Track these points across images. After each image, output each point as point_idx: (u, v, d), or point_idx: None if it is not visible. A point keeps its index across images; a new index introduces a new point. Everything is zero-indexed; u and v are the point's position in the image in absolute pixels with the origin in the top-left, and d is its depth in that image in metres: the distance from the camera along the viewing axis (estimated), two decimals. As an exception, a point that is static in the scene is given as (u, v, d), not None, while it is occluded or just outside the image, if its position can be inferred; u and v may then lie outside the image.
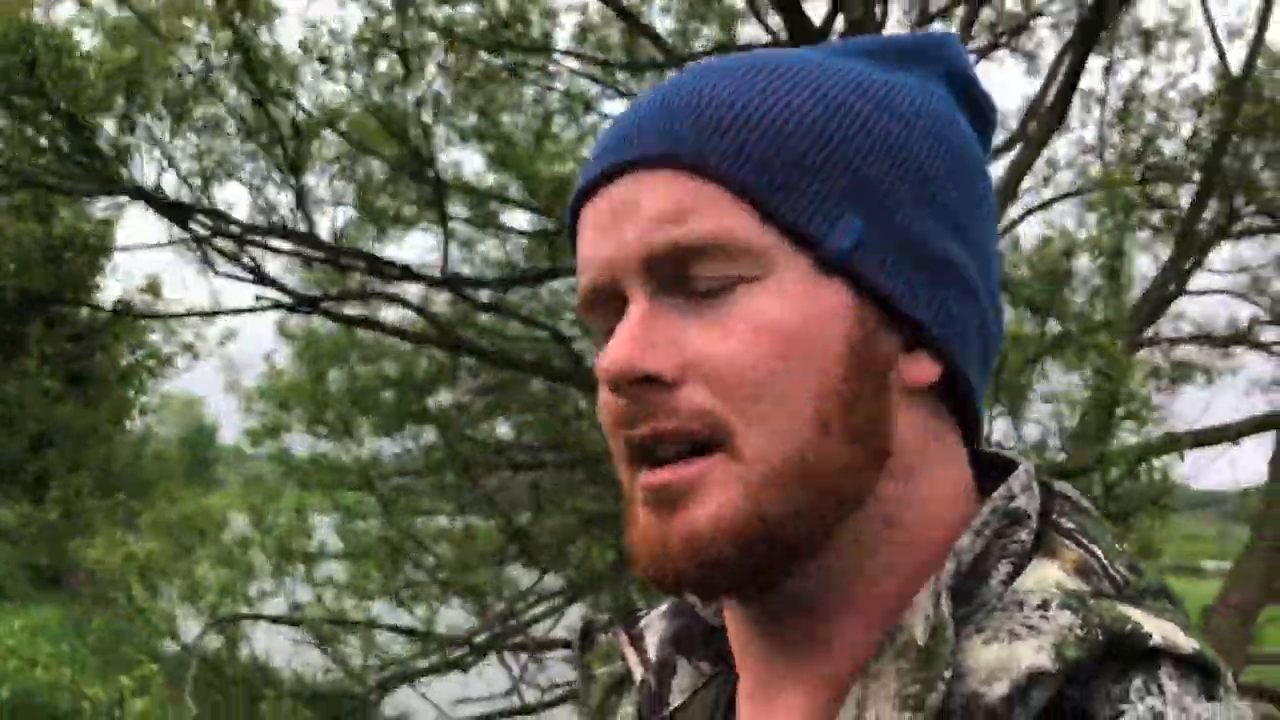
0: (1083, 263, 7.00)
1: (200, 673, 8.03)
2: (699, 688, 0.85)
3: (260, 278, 9.01)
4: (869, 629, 0.73)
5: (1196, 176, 10.52)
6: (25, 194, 9.02)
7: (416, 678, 9.18)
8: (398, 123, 7.88)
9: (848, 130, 0.74)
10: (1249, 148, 10.66)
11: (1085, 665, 0.66)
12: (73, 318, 15.56)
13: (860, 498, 0.72)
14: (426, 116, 7.74)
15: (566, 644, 8.54)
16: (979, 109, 0.82)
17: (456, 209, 9.89)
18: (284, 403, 12.11)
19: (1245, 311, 11.59)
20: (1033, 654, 0.66)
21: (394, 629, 9.27)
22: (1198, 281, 11.11)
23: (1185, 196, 10.81)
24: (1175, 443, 5.49)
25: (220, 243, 8.81)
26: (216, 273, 8.77)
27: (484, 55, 10.07)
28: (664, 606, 0.89)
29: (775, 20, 10.79)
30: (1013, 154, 10.06)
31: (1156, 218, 11.20)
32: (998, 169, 11.10)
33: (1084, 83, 9.06)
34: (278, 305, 9.54)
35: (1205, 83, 11.40)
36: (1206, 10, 10.93)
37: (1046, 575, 0.72)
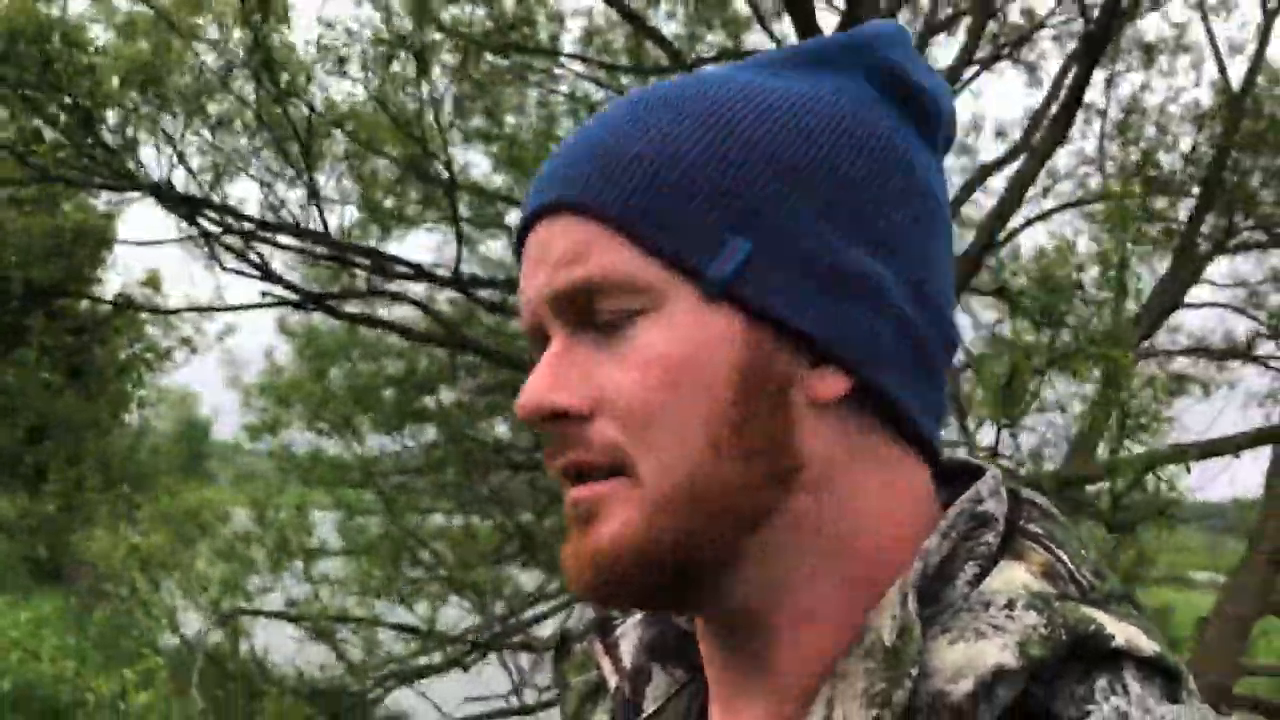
0: (1084, 273, 7.06)
1: (199, 666, 8.04)
2: (672, 694, 0.86)
3: (267, 274, 9.04)
4: (823, 636, 0.75)
5: (1195, 190, 10.60)
6: (32, 188, 9.02)
7: (416, 676, 9.21)
8: (411, 122, 7.93)
9: (732, 153, 0.74)
10: (1248, 163, 10.73)
11: (1049, 665, 0.68)
12: (73, 310, 15.54)
13: (764, 514, 0.73)
14: (442, 116, 7.79)
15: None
16: (913, 102, 0.80)
17: (460, 209, 9.94)
18: (284, 398, 12.15)
19: (1241, 325, 11.68)
20: (997, 652, 0.68)
21: (396, 627, 9.29)
22: (1194, 294, 11.19)
23: (1184, 210, 10.88)
24: (1182, 454, 5.53)
25: (228, 238, 8.85)
26: (224, 268, 8.80)
27: (489, 57, 10.13)
28: (640, 614, 0.89)
29: (779, 28, 10.89)
30: (1016, 164, 10.15)
31: (1155, 230, 11.27)
32: (999, 180, 11.20)
33: (1085, 95, 9.11)
34: (284, 302, 9.58)
35: (1206, 98, 11.44)
36: (1208, 25, 10.97)
37: (1013, 577, 0.73)
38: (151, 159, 8.18)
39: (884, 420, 0.76)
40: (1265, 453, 8.02)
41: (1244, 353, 11.12)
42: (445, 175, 8.22)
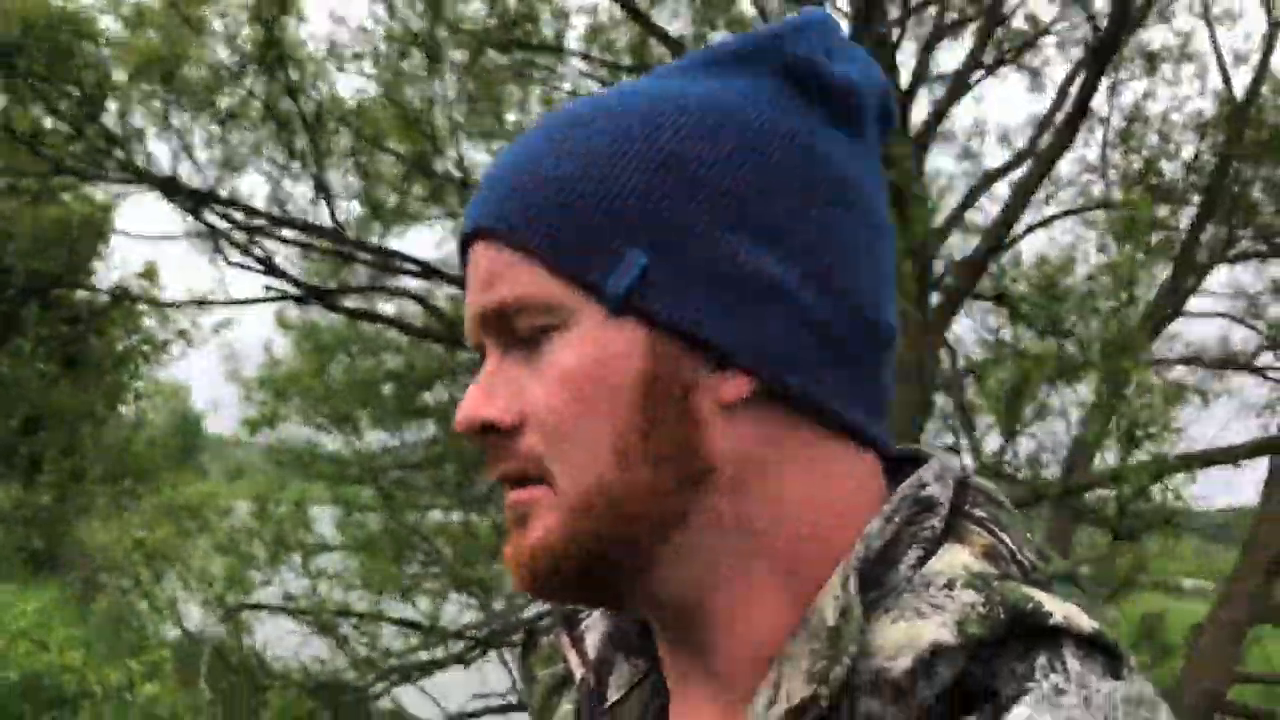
0: (1094, 282, 7.10)
1: (207, 659, 8.05)
2: (635, 683, 0.89)
3: (270, 268, 9.05)
4: (765, 623, 0.77)
5: (1196, 199, 10.63)
6: (35, 179, 8.99)
7: (418, 672, 9.22)
8: (422, 118, 7.94)
9: (630, 168, 0.76)
10: (1249, 172, 10.76)
11: (988, 643, 0.69)
12: (69, 300, 15.51)
13: (679, 515, 0.76)
14: (455, 114, 7.81)
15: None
16: (827, 92, 0.80)
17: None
18: (282, 392, 12.12)
19: (1238, 335, 11.71)
20: (935, 629, 0.70)
21: (399, 622, 9.30)
22: (1192, 304, 11.24)
23: (1184, 219, 10.90)
24: (1187, 463, 5.58)
25: (232, 232, 8.84)
26: (229, 262, 8.80)
27: (492, 54, 10.12)
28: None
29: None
30: (1020, 171, 10.19)
31: (1155, 239, 11.29)
32: (1002, 187, 11.23)
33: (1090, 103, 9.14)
34: (286, 296, 9.58)
35: (1209, 107, 11.47)
36: (1213, 35, 11.01)
37: (955, 560, 0.75)
38: (157, 151, 8.17)
39: (804, 414, 0.78)
40: (1257, 461, 8.09)
41: (1244, 364, 11.15)
42: (455, 171, 8.22)
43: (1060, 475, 7.88)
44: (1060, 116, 9.71)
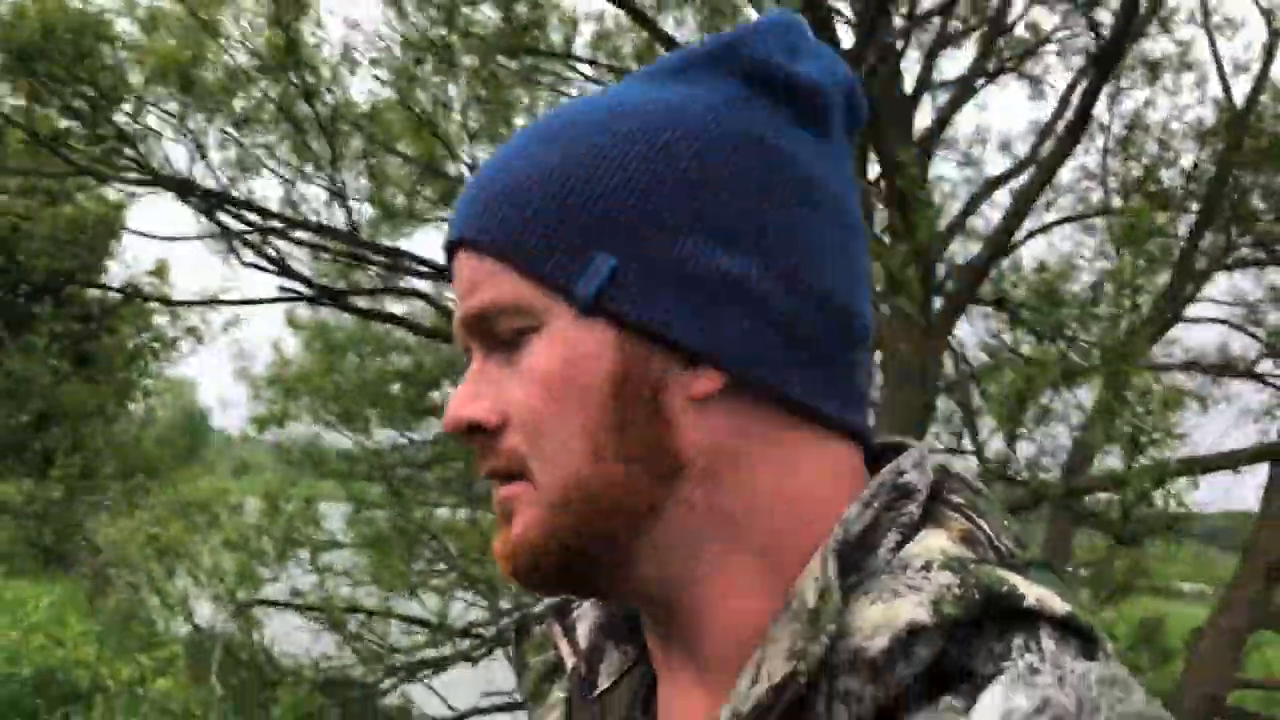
0: (1083, 287, 7.18)
1: (216, 655, 8.11)
2: (625, 671, 0.91)
3: (283, 269, 9.13)
4: (747, 608, 0.79)
5: (1195, 207, 10.69)
6: (54, 180, 9.08)
7: (423, 669, 9.28)
8: (434, 122, 8.04)
9: (598, 175, 0.79)
10: (1247, 180, 10.80)
11: (964, 623, 0.71)
12: (81, 298, 15.57)
13: (654, 507, 0.78)
14: (466, 117, 7.90)
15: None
16: (789, 93, 0.82)
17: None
18: (291, 390, 12.19)
19: (1236, 341, 11.77)
20: (912, 609, 0.71)
21: (407, 619, 9.36)
22: (1192, 310, 11.31)
23: (1183, 226, 10.95)
24: (1189, 467, 5.65)
25: (245, 232, 8.92)
26: (243, 263, 8.89)
27: (500, 59, 10.20)
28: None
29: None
30: (1022, 178, 10.27)
31: (1154, 246, 11.33)
32: (1002, 193, 11.31)
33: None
34: (299, 297, 9.66)
35: (1209, 115, 11.53)
36: (1213, 43, 11.09)
37: (932, 544, 0.76)
38: (173, 152, 8.25)
39: (776, 407, 0.80)
40: (1256, 467, 8.14)
41: (1244, 370, 11.21)
42: (467, 174, 8.30)
43: (1060, 477, 7.95)
44: (1062, 124, 9.78)
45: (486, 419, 0.81)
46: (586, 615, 0.94)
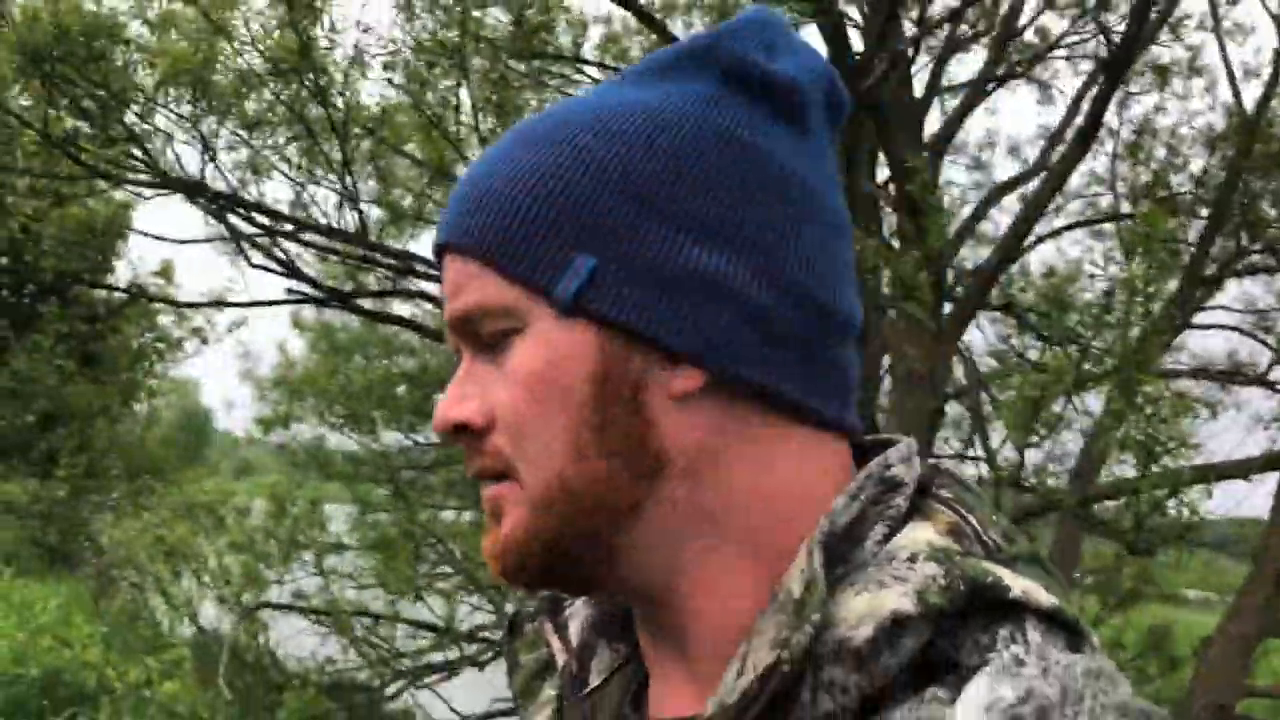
0: (1095, 293, 7.15)
1: (220, 658, 8.11)
2: (616, 668, 0.91)
3: (292, 271, 9.12)
4: (734, 603, 0.80)
5: (1205, 212, 10.68)
6: (65, 181, 9.08)
7: (429, 673, 9.27)
8: (444, 124, 8.05)
9: (576, 177, 0.80)
10: (1257, 186, 10.79)
11: (950, 614, 0.71)
12: (86, 298, 15.59)
13: (637, 505, 0.80)
14: (476, 120, 7.91)
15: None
16: (767, 90, 0.83)
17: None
18: (297, 392, 12.21)
19: (1245, 347, 11.75)
20: (897, 599, 0.71)
21: (413, 623, 9.35)
22: (1201, 317, 11.28)
23: (1193, 232, 10.94)
24: (1202, 475, 5.63)
25: (255, 235, 8.91)
26: (252, 265, 8.87)
27: (508, 61, 10.21)
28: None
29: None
30: (1032, 184, 10.27)
31: (1164, 252, 11.29)
32: (1010, 198, 11.31)
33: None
34: (308, 299, 9.66)
35: (1219, 121, 11.53)
36: (1223, 49, 11.09)
37: (919, 536, 0.77)
38: (184, 154, 8.24)
39: (758, 403, 0.81)
40: (1266, 475, 8.11)
41: (1257, 377, 11.18)
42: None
43: (1069, 484, 7.93)
44: (1072, 130, 9.77)
45: (473, 420, 0.82)
46: (578, 613, 0.95)
